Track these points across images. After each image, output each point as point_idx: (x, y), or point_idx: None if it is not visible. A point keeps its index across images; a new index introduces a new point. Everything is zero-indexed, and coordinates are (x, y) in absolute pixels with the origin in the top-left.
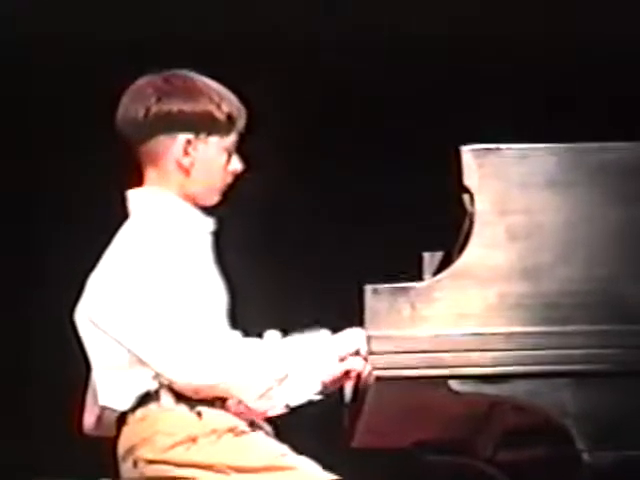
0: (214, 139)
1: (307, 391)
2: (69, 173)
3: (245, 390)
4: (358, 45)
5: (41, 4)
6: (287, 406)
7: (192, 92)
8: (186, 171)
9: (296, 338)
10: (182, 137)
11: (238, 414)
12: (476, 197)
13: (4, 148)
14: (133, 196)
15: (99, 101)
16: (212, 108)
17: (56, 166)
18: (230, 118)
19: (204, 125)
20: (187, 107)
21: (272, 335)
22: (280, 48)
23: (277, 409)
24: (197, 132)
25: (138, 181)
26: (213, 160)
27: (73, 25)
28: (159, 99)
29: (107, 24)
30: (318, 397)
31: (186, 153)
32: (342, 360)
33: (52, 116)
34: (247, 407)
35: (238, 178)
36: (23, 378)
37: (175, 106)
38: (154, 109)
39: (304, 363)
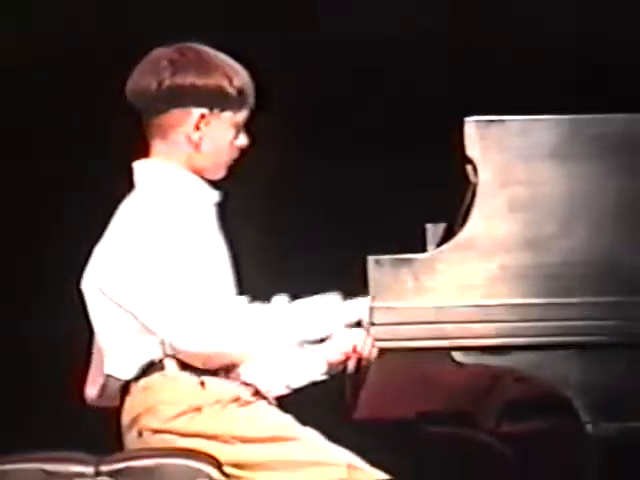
0: (227, 115)
1: (310, 372)
2: (74, 144)
3: (252, 355)
4: (360, 21)
5: (41, 4)
6: (289, 387)
7: (206, 66)
8: (196, 145)
9: (305, 302)
10: (197, 112)
11: (244, 383)
12: (479, 168)
13: (7, 118)
14: (139, 167)
15: (104, 72)
16: (225, 83)
17: (60, 135)
18: (241, 93)
19: (217, 100)
20: (200, 81)
21: (280, 300)
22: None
23: (279, 390)
24: (211, 107)
25: (144, 152)
26: (222, 136)
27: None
28: (173, 72)
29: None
30: (322, 377)
31: (197, 128)
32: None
33: (54, 85)
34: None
35: (244, 152)
36: (23, 351)
37: (188, 79)
38: (167, 82)
39: (317, 325)
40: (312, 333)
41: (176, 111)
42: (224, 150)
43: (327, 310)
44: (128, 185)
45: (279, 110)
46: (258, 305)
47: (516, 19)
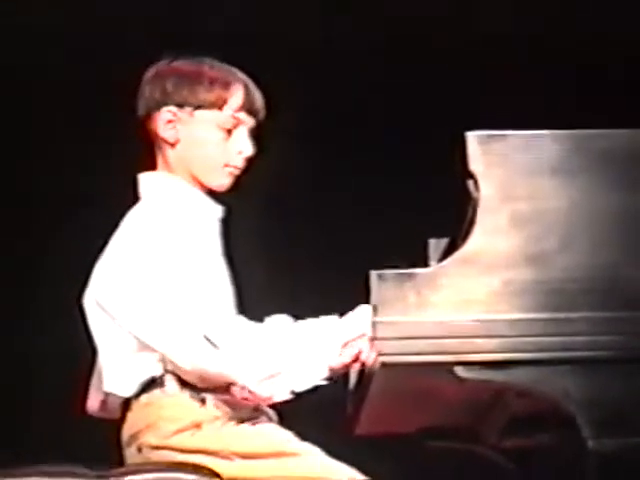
0: (200, 112)
1: (313, 377)
2: (80, 154)
3: (249, 375)
4: (362, 34)
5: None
6: (292, 392)
7: (189, 73)
8: (172, 145)
9: (303, 323)
10: (165, 109)
11: (243, 400)
12: (480, 183)
13: (11, 125)
14: (144, 180)
15: (113, 82)
16: (201, 84)
17: (66, 147)
18: (219, 92)
19: (188, 98)
20: (175, 86)
21: (280, 319)
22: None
23: (282, 395)
24: (181, 105)
25: (151, 164)
26: (203, 135)
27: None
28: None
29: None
30: (324, 382)
31: (170, 126)
32: (347, 345)
33: (56, 96)
34: (252, 392)
35: (251, 163)
36: (25, 365)
37: (169, 85)
38: (147, 91)
39: (310, 348)
40: (311, 353)
41: (153, 114)
42: (212, 151)
43: (326, 330)
44: (133, 197)
45: (280, 125)
46: (257, 325)
47: (520, 34)
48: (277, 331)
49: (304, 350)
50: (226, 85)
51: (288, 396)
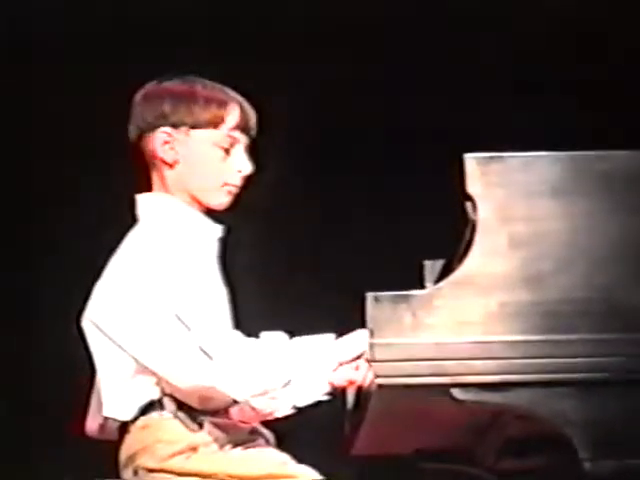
0: (196, 132)
1: (314, 391)
2: (76, 175)
3: (244, 389)
4: (360, 47)
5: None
6: (294, 407)
7: (182, 94)
8: (170, 165)
9: (299, 340)
10: (160, 131)
11: (241, 422)
12: (478, 205)
13: (7, 148)
14: (142, 201)
15: (110, 102)
16: (195, 103)
17: (63, 168)
18: (214, 111)
19: (183, 117)
20: (170, 107)
21: (277, 337)
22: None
23: (284, 410)
24: (176, 125)
25: (147, 185)
26: (202, 154)
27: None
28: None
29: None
30: (326, 398)
31: (168, 147)
32: (344, 364)
33: (57, 116)
34: (253, 409)
35: (249, 180)
36: (24, 385)
37: (162, 108)
38: (139, 115)
39: (306, 365)
40: (306, 371)
41: (148, 135)
42: (210, 170)
43: (321, 348)
44: (132, 218)
45: (277, 141)
46: (253, 340)
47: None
48: (273, 346)
49: (300, 366)
50: (222, 104)
51: (290, 411)
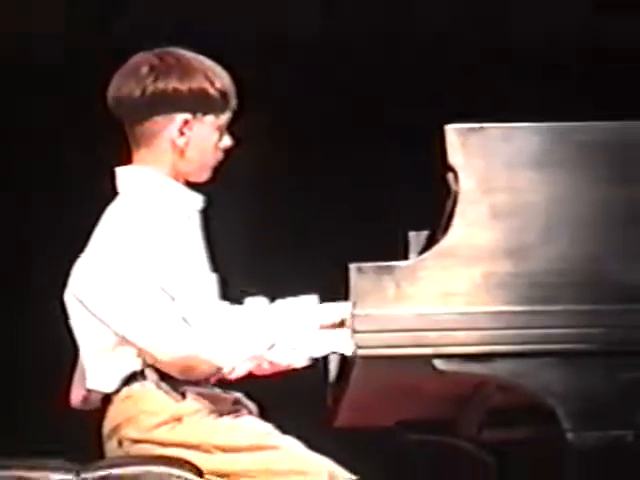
0: (209, 118)
1: (331, 342)
2: (58, 152)
3: (229, 358)
4: (343, 28)
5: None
6: (311, 357)
7: (187, 70)
8: (181, 151)
9: (282, 302)
10: (180, 117)
11: (260, 373)
12: (460, 176)
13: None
14: (122, 174)
15: (92, 75)
16: (207, 86)
17: (44, 144)
18: (224, 96)
19: (200, 104)
20: (183, 86)
21: (259, 301)
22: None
23: (301, 361)
24: (194, 112)
25: (127, 159)
26: (206, 139)
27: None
28: (155, 78)
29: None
30: (343, 350)
31: (182, 133)
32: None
33: (38, 92)
34: (271, 363)
35: (228, 154)
36: (7, 359)
37: (171, 85)
38: (150, 88)
39: (292, 326)
40: (289, 334)
41: (159, 118)
42: (209, 153)
43: (304, 311)
44: (112, 192)
45: (259, 113)
46: (234, 307)
47: (502, 21)
48: (255, 311)
49: (283, 327)
50: (230, 88)
51: (307, 362)
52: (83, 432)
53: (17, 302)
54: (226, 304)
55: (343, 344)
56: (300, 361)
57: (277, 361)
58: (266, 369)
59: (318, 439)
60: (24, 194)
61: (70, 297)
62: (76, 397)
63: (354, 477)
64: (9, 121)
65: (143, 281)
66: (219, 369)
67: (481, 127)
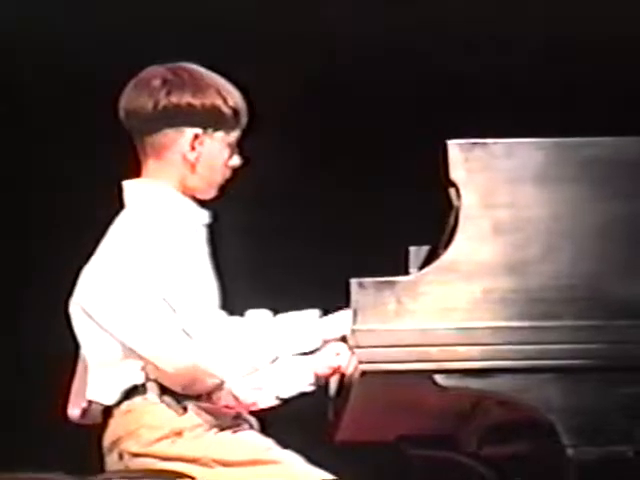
0: (219, 134)
1: (298, 382)
2: (64, 161)
3: (231, 371)
4: (346, 43)
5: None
6: (278, 397)
7: (200, 85)
8: (192, 166)
9: (284, 317)
10: (190, 131)
11: (227, 407)
12: (462, 191)
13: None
14: (129, 187)
15: (100, 91)
16: (219, 102)
17: (50, 152)
18: (235, 113)
19: (211, 120)
20: (195, 100)
21: (262, 314)
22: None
23: (268, 401)
24: (205, 127)
25: (136, 172)
26: (217, 156)
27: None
28: (168, 92)
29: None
30: (310, 388)
31: (193, 148)
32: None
33: (53, 104)
34: (236, 398)
35: (235, 173)
36: (7, 371)
37: (184, 99)
38: (163, 102)
39: (294, 340)
40: (291, 348)
41: (170, 131)
42: (218, 171)
43: (306, 325)
44: (119, 204)
45: (263, 129)
46: (237, 319)
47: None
48: (258, 325)
49: (286, 341)
50: (241, 105)
51: (273, 402)
52: (83, 445)
53: (17, 312)
54: (229, 316)
55: (310, 383)
56: (266, 401)
57: (242, 398)
58: (233, 404)
59: (319, 454)
60: (25, 200)
61: (75, 307)
62: (74, 410)
63: None
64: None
65: (146, 293)
66: (221, 383)
67: (483, 142)
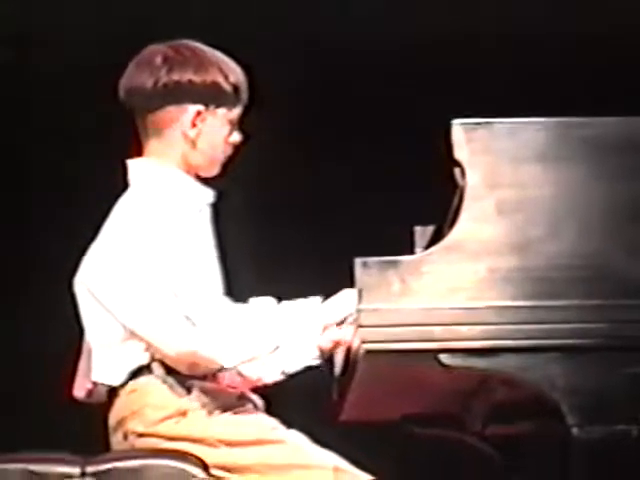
0: (221, 111)
1: (303, 357)
2: (68, 142)
3: (232, 358)
4: (353, 19)
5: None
6: (283, 373)
7: (201, 62)
8: (192, 142)
9: (286, 304)
10: (192, 108)
11: (231, 386)
12: (466, 171)
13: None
14: (133, 166)
15: (101, 68)
16: (220, 79)
17: (52, 134)
18: (236, 90)
19: (213, 96)
20: (197, 78)
21: (265, 302)
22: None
23: (273, 376)
24: (206, 104)
25: (138, 151)
26: (218, 132)
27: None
28: (170, 69)
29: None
30: (315, 362)
31: (194, 125)
32: (331, 327)
33: (52, 81)
34: (241, 375)
35: (237, 150)
36: (11, 351)
37: (185, 76)
38: (164, 79)
39: (294, 328)
40: (293, 335)
41: (171, 108)
42: (219, 147)
43: (309, 312)
44: (123, 183)
45: (267, 110)
46: (241, 306)
47: (504, 20)
48: (261, 312)
49: (288, 331)
50: (242, 82)
51: (279, 377)
52: (88, 425)
53: (19, 293)
54: (232, 302)
55: (316, 357)
56: (272, 376)
57: (248, 374)
58: (238, 381)
59: (323, 433)
60: (27, 181)
61: (80, 286)
62: (80, 389)
63: (359, 471)
64: (18, 102)
65: (149, 275)
66: (221, 367)
67: (487, 122)
